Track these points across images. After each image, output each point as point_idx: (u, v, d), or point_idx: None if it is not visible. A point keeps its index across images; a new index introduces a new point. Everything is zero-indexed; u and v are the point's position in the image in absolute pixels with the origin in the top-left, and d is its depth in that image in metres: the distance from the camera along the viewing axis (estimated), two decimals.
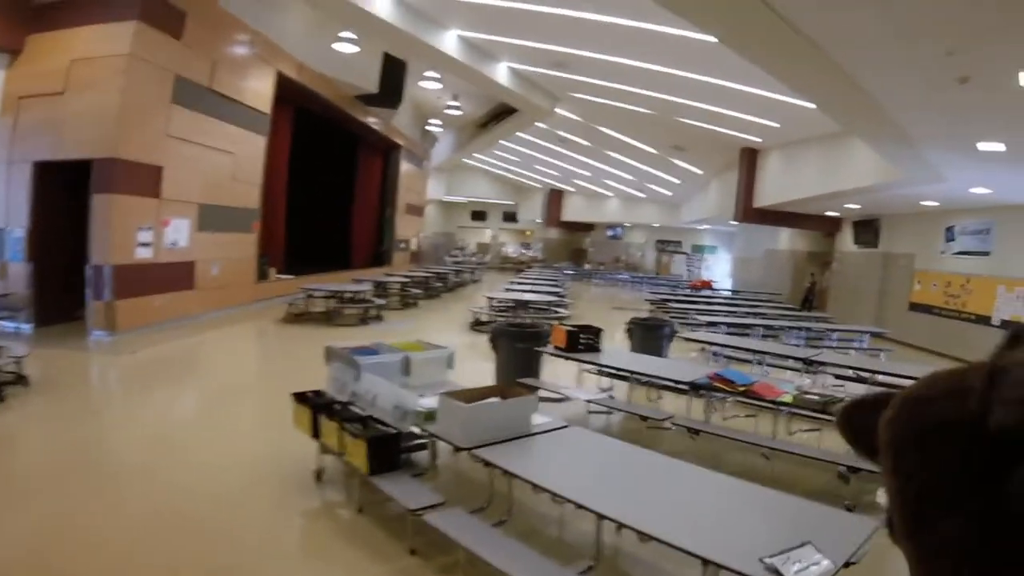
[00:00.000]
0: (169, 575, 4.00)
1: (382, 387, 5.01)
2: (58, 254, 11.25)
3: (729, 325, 13.33)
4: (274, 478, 5.49)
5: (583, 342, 7.77)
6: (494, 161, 33.89)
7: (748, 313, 16.40)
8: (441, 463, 5.84)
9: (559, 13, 10.75)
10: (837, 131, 12.46)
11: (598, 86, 14.84)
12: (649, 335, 10.12)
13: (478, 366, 9.38)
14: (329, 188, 23.32)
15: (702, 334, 11.72)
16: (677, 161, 22.08)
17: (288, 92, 16.49)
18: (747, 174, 18.12)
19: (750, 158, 18.03)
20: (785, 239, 24.69)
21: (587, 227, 41.30)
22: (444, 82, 18.63)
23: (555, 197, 38.91)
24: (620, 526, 3.63)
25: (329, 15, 13.93)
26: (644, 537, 3.17)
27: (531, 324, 9.77)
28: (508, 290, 17.61)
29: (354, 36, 14.64)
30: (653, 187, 29.14)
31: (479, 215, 42.88)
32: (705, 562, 2.90)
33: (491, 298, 15.93)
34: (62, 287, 11.23)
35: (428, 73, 17.90)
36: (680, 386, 7.10)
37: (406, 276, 19.80)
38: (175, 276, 12.59)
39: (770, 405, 6.36)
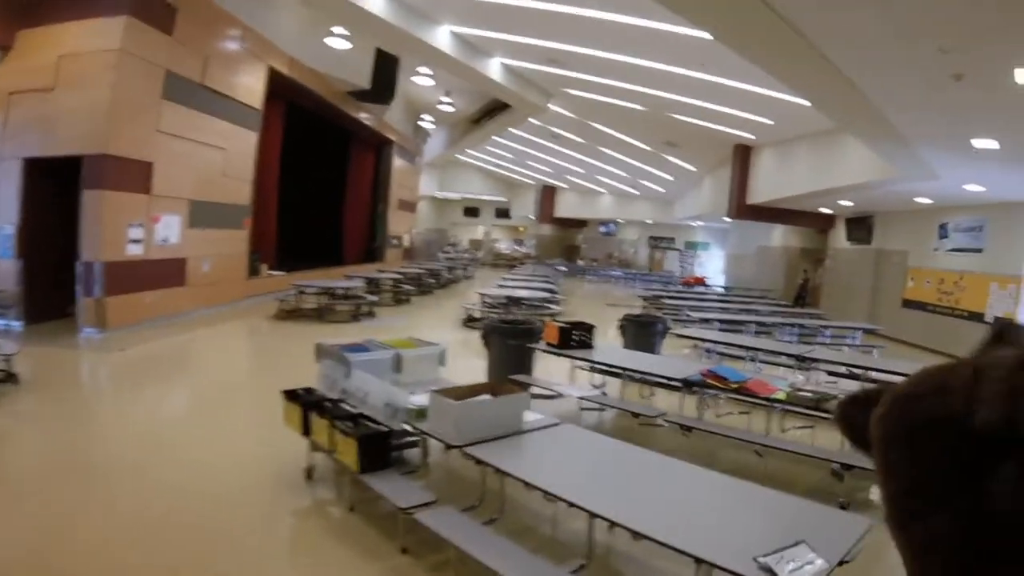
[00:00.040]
0: (165, 574, 3.97)
1: (373, 384, 4.98)
2: (48, 251, 11.14)
3: (722, 322, 13.33)
4: (265, 476, 5.45)
5: (576, 339, 7.74)
6: (487, 157, 33.87)
7: (741, 310, 16.40)
8: (432, 461, 5.81)
9: (552, 9, 10.71)
10: (831, 128, 12.47)
11: (591, 82, 14.83)
12: (642, 332, 10.10)
13: (470, 363, 9.36)
14: (321, 184, 23.23)
15: (695, 330, 11.72)
16: (670, 158, 22.08)
17: (280, 88, 16.41)
18: (740, 171, 18.13)
19: (743, 155, 18.03)
20: (778, 236, 24.72)
21: (580, 223, 41.35)
22: (437, 78, 18.57)
23: (548, 193, 38.92)
24: (612, 524, 3.60)
25: (321, 10, 13.86)
26: (637, 536, 3.14)
27: (523, 321, 9.75)
28: (501, 286, 17.55)
29: (346, 32, 14.59)
30: (646, 184, 29.14)
31: (472, 211, 42.91)
32: (698, 561, 2.88)
33: (484, 294, 15.89)
34: (52, 284, 11.13)
35: (421, 69, 17.85)
36: (673, 383, 7.07)
37: (398, 272, 19.75)
38: (166, 273, 12.51)
39: (763, 402, 6.34)
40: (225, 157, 14.18)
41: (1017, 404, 0.72)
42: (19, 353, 7.78)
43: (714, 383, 6.48)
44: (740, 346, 10.18)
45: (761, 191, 17.46)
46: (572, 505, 3.49)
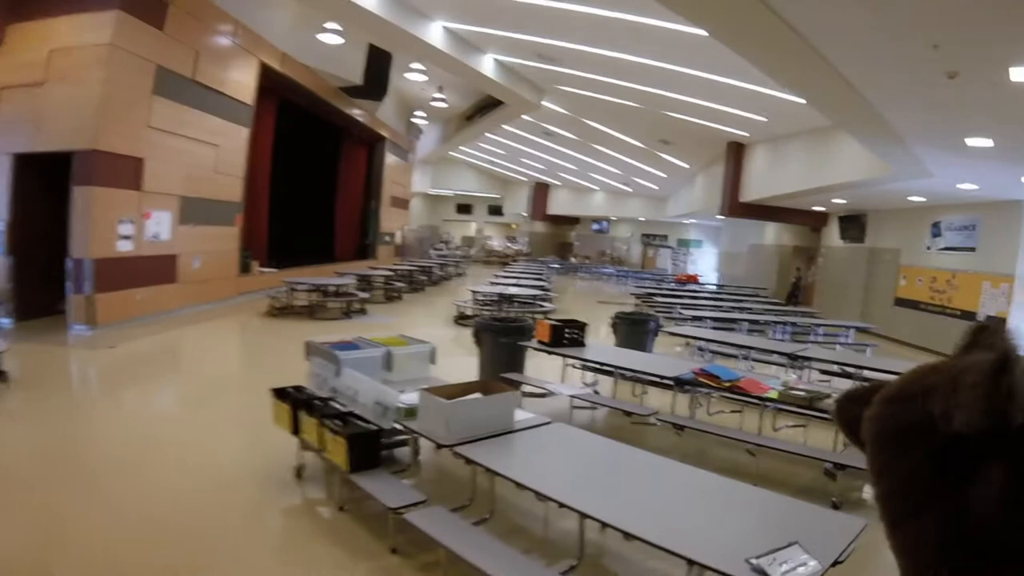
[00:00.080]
0: (153, 573, 3.93)
1: (363, 383, 4.94)
2: (38, 248, 11.07)
3: (714, 320, 13.33)
4: (255, 475, 5.40)
5: (567, 337, 7.72)
6: (480, 154, 33.87)
7: (734, 308, 16.39)
8: (423, 459, 5.77)
9: (545, 5, 10.68)
10: (824, 125, 12.47)
11: (585, 79, 14.80)
12: (634, 330, 10.08)
13: (462, 361, 9.32)
14: (313, 181, 23.14)
15: (687, 329, 11.71)
16: (663, 155, 22.07)
17: (272, 84, 16.37)
18: (733, 168, 18.11)
19: (736, 152, 18.02)
20: (771, 233, 24.73)
21: (573, 221, 41.32)
22: (429, 74, 18.54)
23: (541, 191, 38.91)
24: (604, 525, 3.57)
25: (313, 6, 13.79)
26: (629, 536, 3.12)
27: (515, 318, 9.73)
28: (493, 284, 17.52)
29: (339, 27, 14.53)
30: (639, 181, 29.14)
31: (464, 208, 42.88)
32: (690, 563, 2.85)
33: (475, 292, 15.86)
34: (42, 281, 11.07)
35: (413, 65, 17.80)
36: (665, 381, 7.05)
37: (390, 269, 19.72)
38: (156, 269, 12.43)
39: (756, 401, 6.32)
40: (216, 153, 14.11)
41: (992, 410, 0.72)
42: (8, 350, 7.73)
43: (706, 382, 6.47)
44: (733, 344, 10.18)
45: (754, 189, 17.45)
46: (563, 506, 3.46)
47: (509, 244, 42.79)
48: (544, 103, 18.22)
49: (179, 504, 4.82)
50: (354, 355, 5.55)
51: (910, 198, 14.82)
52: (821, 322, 14.16)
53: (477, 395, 4.54)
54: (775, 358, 10.07)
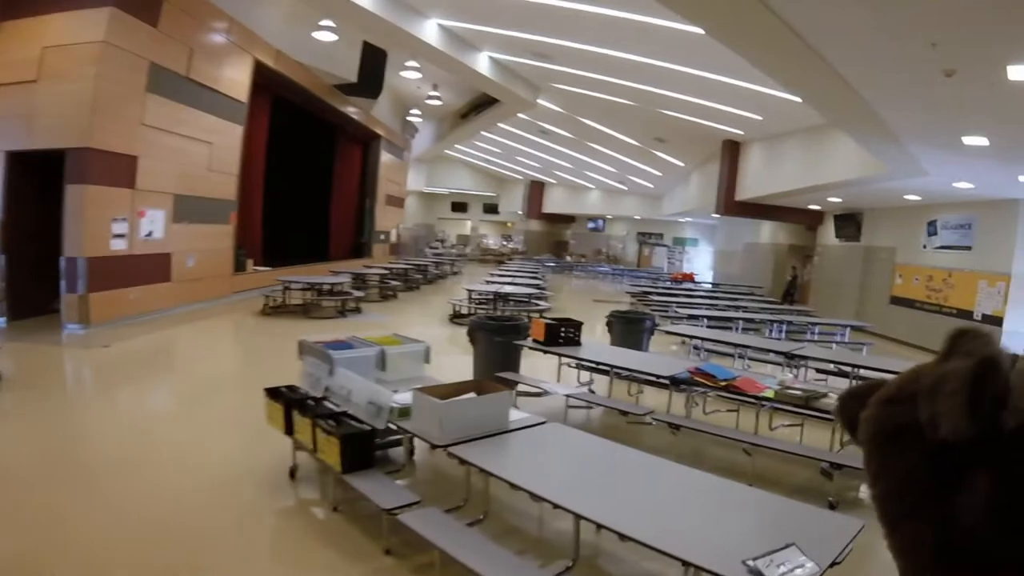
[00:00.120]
0: (149, 573, 3.90)
1: (356, 382, 4.91)
2: (31, 246, 10.99)
3: (710, 319, 13.31)
4: (248, 475, 5.36)
5: (563, 335, 7.71)
6: (475, 152, 33.84)
7: (729, 306, 16.38)
8: (417, 459, 5.75)
9: (541, 2, 10.65)
10: (820, 124, 12.46)
11: (580, 77, 14.77)
12: (630, 328, 10.06)
13: (456, 360, 9.30)
14: (308, 179, 23.02)
15: (683, 327, 11.69)
16: (659, 153, 22.05)
17: (266, 81, 16.31)
18: (729, 167, 18.09)
19: (732, 150, 17.99)
20: (767, 232, 24.75)
21: (568, 219, 41.33)
22: (425, 72, 18.49)
23: (536, 189, 38.90)
24: (599, 526, 3.54)
25: (308, 2, 13.75)
26: (624, 537, 3.09)
27: (510, 317, 9.70)
28: (488, 282, 17.49)
29: (333, 24, 14.49)
30: (635, 179, 29.13)
31: (460, 207, 42.83)
32: (685, 564, 2.83)
33: (470, 290, 15.83)
34: (35, 280, 11.00)
35: (408, 63, 17.75)
36: (661, 380, 7.02)
37: (385, 268, 19.67)
38: (150, 268, 12.37)
39: (752, 400, 6.30)
40: (210, 151, 14.04)
41: (975, 416, 0.72)
42: (1, 350, 7.68)
43: (702, 381, 6.45)
44: (728, 343, 10.17)
45: (749, 187, 17.43)
46: (557, 507, 3.43)
47: (504, 242, 42.74)
48: (539, 101, 18.19)
49: (172, 503, 4.78)
50: (347, 354, 5.52)
51: (906, 197, 14.82)
52: (817, 321, 14.18)
53: (471, 395, 4.51)
54: (771, 357, 10.06)
